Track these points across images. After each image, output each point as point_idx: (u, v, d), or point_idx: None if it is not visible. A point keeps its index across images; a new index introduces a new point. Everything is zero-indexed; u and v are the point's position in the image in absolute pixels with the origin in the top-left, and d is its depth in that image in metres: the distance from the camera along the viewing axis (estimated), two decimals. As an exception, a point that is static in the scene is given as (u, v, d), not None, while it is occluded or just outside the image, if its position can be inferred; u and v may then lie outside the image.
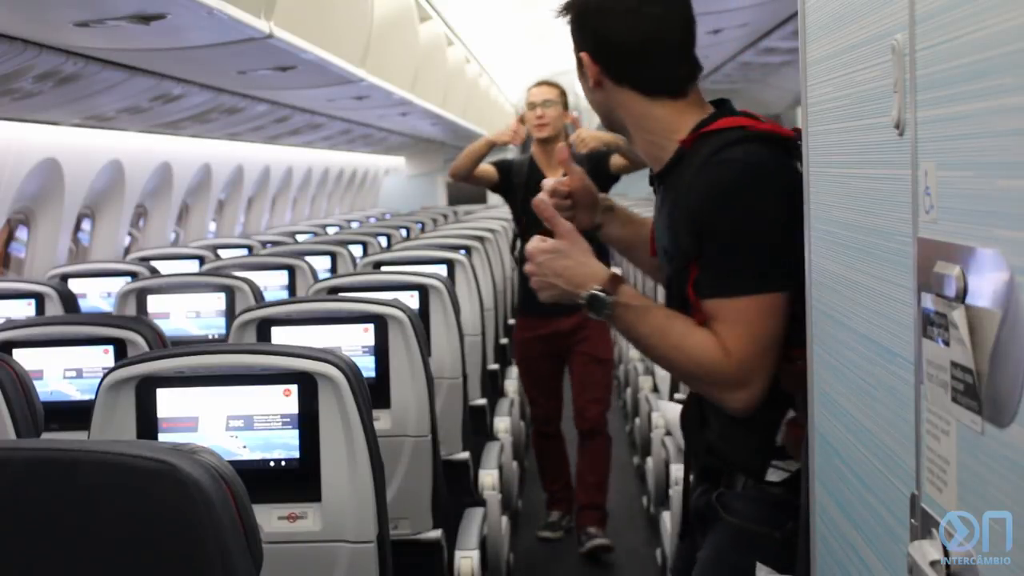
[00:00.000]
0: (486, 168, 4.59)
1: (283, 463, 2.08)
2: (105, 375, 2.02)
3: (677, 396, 4.05)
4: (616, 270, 1.88)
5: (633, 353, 6.38)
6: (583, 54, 1.89)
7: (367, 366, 2.61)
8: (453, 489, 2.95)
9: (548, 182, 2.08)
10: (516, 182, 4.51)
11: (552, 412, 4.65)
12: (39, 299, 3.95)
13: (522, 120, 4.62)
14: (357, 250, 5.86)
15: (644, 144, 1.91)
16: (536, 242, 1.84)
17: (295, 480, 2.06)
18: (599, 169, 4.22)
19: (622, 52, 1.86)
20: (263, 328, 2.64)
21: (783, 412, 1.78)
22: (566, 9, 1.94)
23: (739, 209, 1.74)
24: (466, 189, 13.75)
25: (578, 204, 2.12)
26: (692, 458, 2.01)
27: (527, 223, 4.37)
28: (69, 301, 4.04)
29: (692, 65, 1.89)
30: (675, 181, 1.84)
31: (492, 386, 4.73)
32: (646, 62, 1.86)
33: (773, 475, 1.78)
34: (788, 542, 1.71)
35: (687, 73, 1.88)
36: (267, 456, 2.07)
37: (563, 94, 4.50)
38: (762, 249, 1.73)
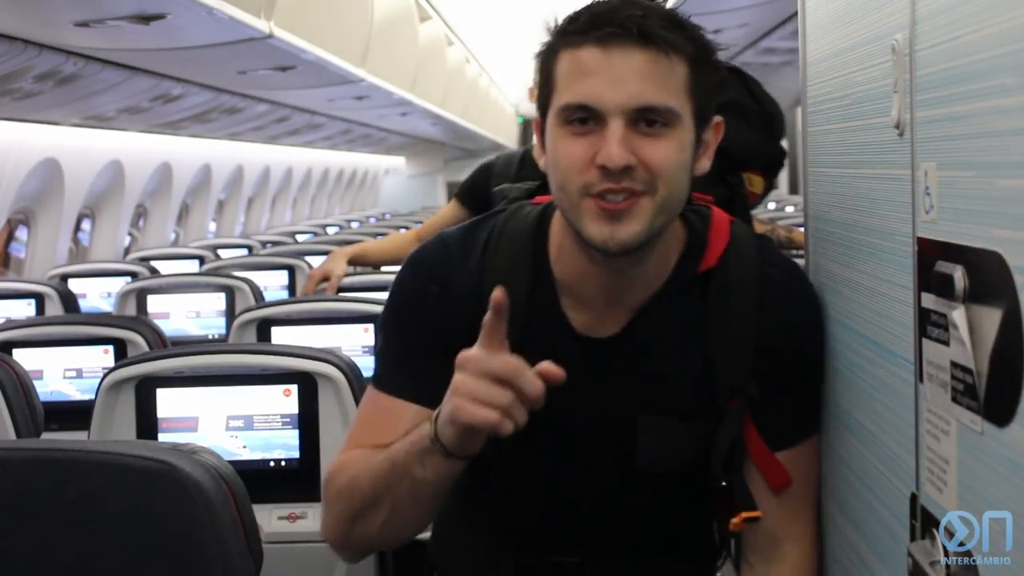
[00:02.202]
0: (451, 219, 2.81)
1: (283, 463, 2.07)
2: (105, 375, 2.02)
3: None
4: None
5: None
6: (720, 120, 1.31)
7: (367, 366, 2.61)
8: (453, 489, 2.94)
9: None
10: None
11: None
12: (39, 299, 3.95)
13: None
14: (357, 250, 5.86)
15: (658, 265, 1.33)
16: None
17: (295, 480, 2.06)
18: None
19: None
20: (263, 328, 2.64)
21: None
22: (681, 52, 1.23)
23: (821, 337, 1.40)
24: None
25: None
26: None
27: None
28: (69, 301, 4.05)
29: None
30: (688, 317, 1.34)
31: (492, 386, 4.72)
32: None
33: None
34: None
35: None
36: (267, 456, 2.07)
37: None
38: None
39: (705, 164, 1.29)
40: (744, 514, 1.35)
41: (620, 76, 1.21)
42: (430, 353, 1.34)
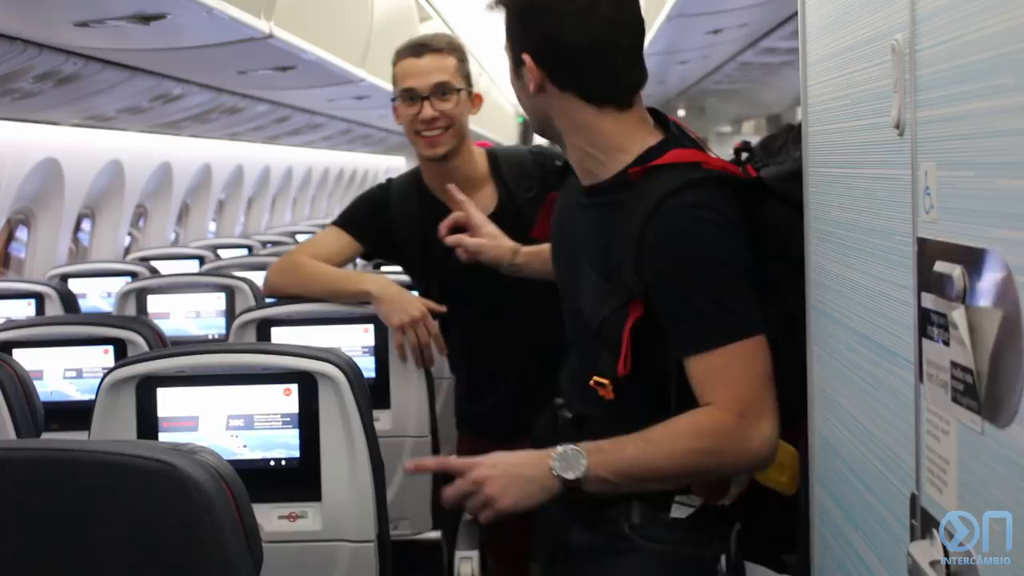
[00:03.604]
0: (335, 249, 2.66)
1: (283, 462, 2.07)
2: (105, 375, 2.02)
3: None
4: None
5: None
6: (525, 55, 1.72)
7: (367, 366, 2.61)
8: (453, 489, 2.95)
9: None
10: (404, 235, 2.67)
11: None
12: (39, 299, 3.95)
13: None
14: (357, 250, 5.86)
15: (579, 156, 1.77)
16: (459, 484, 1.60)
17: (295, 479, 2.06)
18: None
19: (570, 55, 1.70)
20: (263, 328, 2.64)
21: None
22: (501, 2, 1.78)
23: (700, 257, 1.62)
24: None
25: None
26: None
27: (438, 285, 2.66)
28: (69, 301, 4.04)
29: (641, 72, 1.75)
30: (615, 208, 1.70)
31: (492, 386, 4.71)
32: (596, 67, 1.71)
33: (678, 511, 1.70)
34: (716, 561, 1.70)
35: (636, 81, 1.74)
36: (267, 455, 2.07)
37: (463, 60, 2.65)
38: (734, 294, 1.62)
39: (531, 86, 1.73)
40: (596, 377, 1.66)
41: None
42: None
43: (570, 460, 1.58)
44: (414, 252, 2.66)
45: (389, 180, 2.79)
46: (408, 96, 2.56)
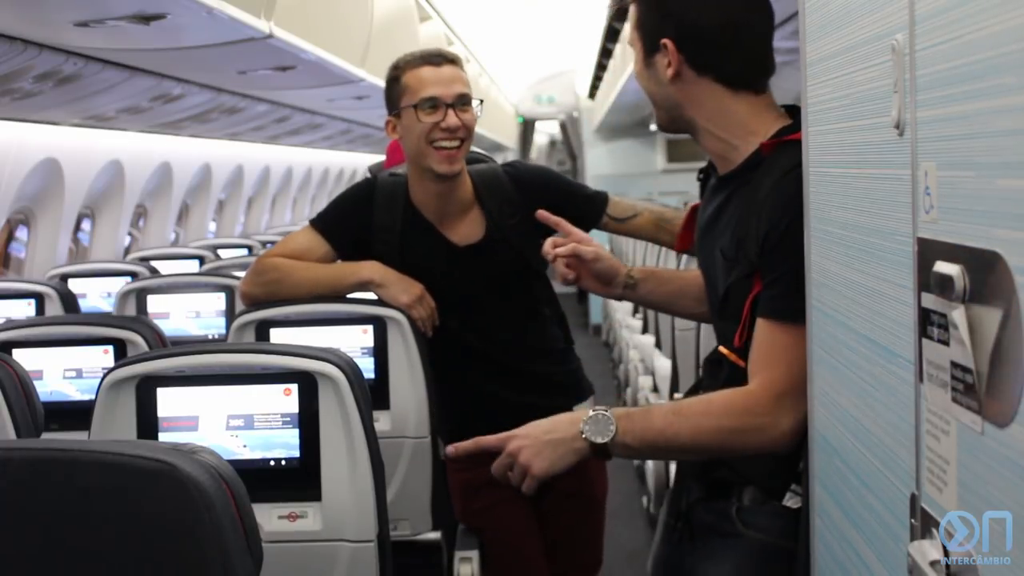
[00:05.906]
0: (307, 254, 2.60)
1: (283, 462, 2.08)
2: (105, 375, 2.02)
3: (677, 396, 4.04)
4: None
5: (632, 353, 6.37)
6: (666, 41, 1.75)
7: (367, 367, 2.61)
8: (453, 489, 2.95)
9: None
10: (384, 249, 2.60)
11: None
12: (39, 299, 3.95)
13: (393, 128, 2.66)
14: (357, 250, 5.85)
15: (714, 143, 1.79)
16: (500, 459, 1.66)
17: (295, 479, 2.06)
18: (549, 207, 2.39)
19: (711, 38, 1.75)
20: (262, 329, 2.64)
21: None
22: None
23: (781, 233, 1.63)
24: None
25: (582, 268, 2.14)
26: (691, 468, 1.88)
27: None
28: (69, 301, 4.04)
29: (773, 58, 1.80)
30: (747, 186, 1.73)
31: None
32: (735, 50, 1.76)
33: (791, 500, 1.70)
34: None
35: (770, 65, 1.79)
36: (267, 455, 2.07)
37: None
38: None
39: (669, 72, 1.77)
40: (723, 348, 1.78)
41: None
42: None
43: (600, 425, 1.62)
44: (393, 264, 2.59)
45: (375, 176, 2.72)
46: (430, 104, 2.51)
